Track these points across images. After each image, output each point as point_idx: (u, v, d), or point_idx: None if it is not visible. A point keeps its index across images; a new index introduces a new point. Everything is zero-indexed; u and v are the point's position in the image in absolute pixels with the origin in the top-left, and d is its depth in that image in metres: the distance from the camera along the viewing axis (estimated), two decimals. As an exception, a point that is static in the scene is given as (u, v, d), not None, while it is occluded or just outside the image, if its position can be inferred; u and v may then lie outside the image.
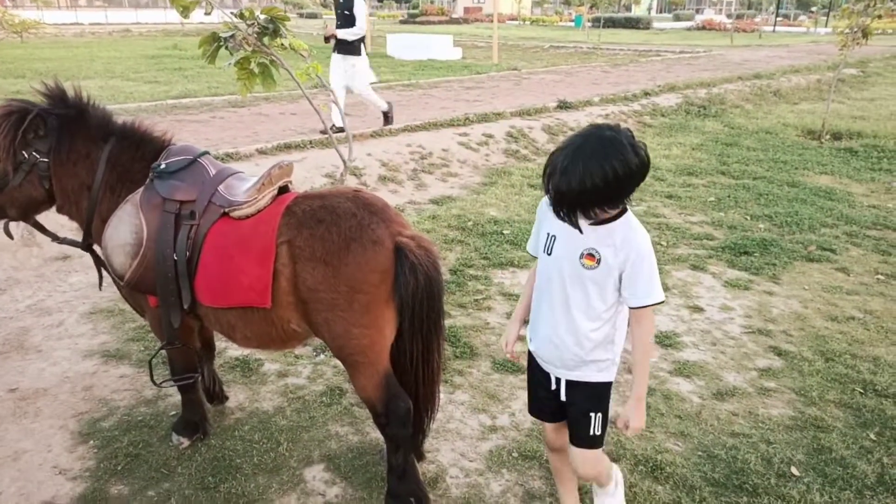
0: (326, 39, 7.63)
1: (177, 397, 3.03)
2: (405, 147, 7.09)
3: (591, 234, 1.88)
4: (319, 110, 3.59)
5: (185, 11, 3.01)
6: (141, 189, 2.43)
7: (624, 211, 1.88)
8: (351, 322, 2.20)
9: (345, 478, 2.61)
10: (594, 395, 2.03)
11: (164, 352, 2.67)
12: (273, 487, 2.54)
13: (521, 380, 3.30)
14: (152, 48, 20.32)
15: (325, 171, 6.22)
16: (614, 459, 2.68)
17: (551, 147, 8.26)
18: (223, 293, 2.33)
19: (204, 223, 2.35)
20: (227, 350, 3.53)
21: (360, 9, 7.46)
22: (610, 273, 1.88)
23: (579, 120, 9.12)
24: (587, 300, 1.93)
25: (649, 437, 2.87)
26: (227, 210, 2.35)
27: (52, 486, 2.53)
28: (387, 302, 2.22)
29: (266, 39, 3.14)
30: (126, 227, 2.39)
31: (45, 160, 2.46)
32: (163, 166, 2.42)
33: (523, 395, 3.16)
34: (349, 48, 7.49)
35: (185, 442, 2.75)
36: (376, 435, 2.86)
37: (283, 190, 2.46)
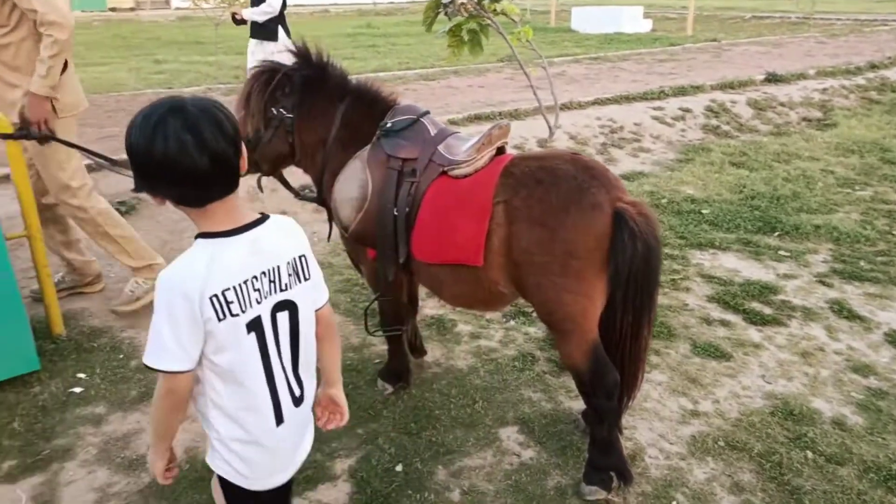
0: (235, 21, 6.59)
1: (380, 347, 3.24)
2: (594, 120, 6.88)
3: None
4: (529, 74, 3.57)
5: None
6: (368, 146, 2.56)
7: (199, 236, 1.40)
8: (563, 287, 2.17)
9: (539, 442, 2.62)
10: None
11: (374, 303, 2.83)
12: (470, 441, 2.62)
13: (725, 367, 3.09)
14: (348, 27, 21.59)
15: (514, 143, 6.23)
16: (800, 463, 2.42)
17: (757, 123, 7.62)
18: (437, 250, 2.40)
19: (423, 181, 2.42)
20: (424, 308, 3.68)
21: None
22: None
23: (791, 94, 8.26)
24: None
25: (881, 443, 2.55)
26: (446, 168, 2.40)
27: (277, 414, 2.81)
28: (601, 270, 2.16)
29: (485, 3, 3.16)
30: (353, 182, 2.53)
31: (290, 116, 2.62)
32: (389, 125, 2.53)
33: (728, 383, 2.97)
34: (263, 31, 6.45)
35: (390, 389, 2.91)
36: (570, 404, 2.84)
37: (500, 150, 2.48)
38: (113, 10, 27.12)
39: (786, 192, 5.33)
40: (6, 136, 2.91)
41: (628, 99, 7.62)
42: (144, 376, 3.04)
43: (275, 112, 2.61)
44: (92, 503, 2.32)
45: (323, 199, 2.80)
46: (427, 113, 2.60)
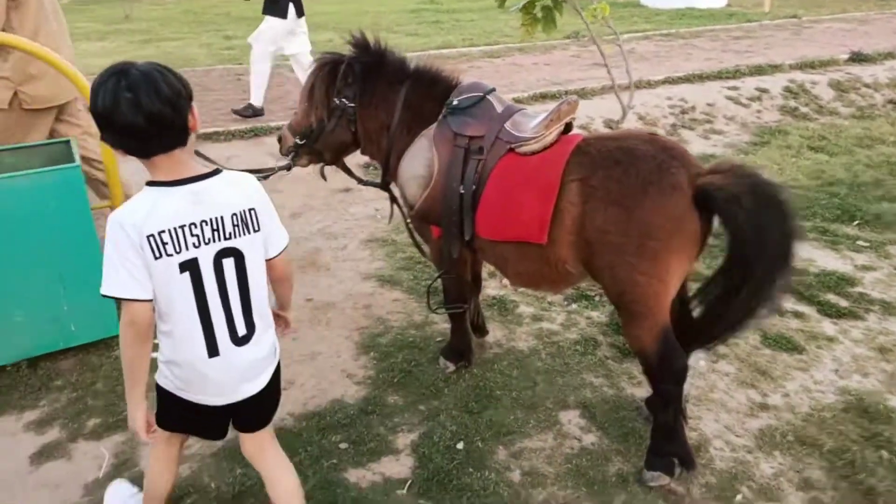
0: None
1: (442, 325, 3.27)
2: (665, 100, 6.68)
3: None
4: (604, 53, 3.49)
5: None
6: (434, 124, 2.56)
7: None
8: (637, 269, 2.14)
9: (600, 427, 2.61)
10: None
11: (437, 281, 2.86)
12: (531, 423, 2.63)
13: (797, 359, 2.99)
14: (412, 2, 21.45)
15: (579, 123, 6.11)
16: None
17: (838, 105, 7.23)
18: (502, 226, 2.40)
19: (490, 158, 2.42)
20: (486, 289, 3.69)
21: None
22: None
23: (877, 75, 7.78)
24: None
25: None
26: (513, 145, 2.39)
27: (341, 387, 2.89)
28: (677, 252, 2.13)
29: (559, -20, 3.10)
30: (420, 160, 2.54)
31: (353, 105, 2.66)
32: (455, 103, 2.52)
33: (799, 376, 2.88)
34: (275, 8, 6.05)
35: (451, 367, 2.95)
36: (632, 391, 2.81)
37: (567, 128, 2.44)
38: (185, -14, 27.77)
39: (867, 179, 5.06)
40: None
41: (701, 78, 7.34)
42: (217, 344, 3.18)
43: (337, 102, 2.65)
44: (170, 462, 2.45)
45: (386, 183, 2.84)
46: (493, 90, 2.58)
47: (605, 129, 6.03)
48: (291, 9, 6.03)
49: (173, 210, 1.57)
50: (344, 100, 2.65)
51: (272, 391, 1.84)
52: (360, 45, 2.66)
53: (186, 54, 10.22)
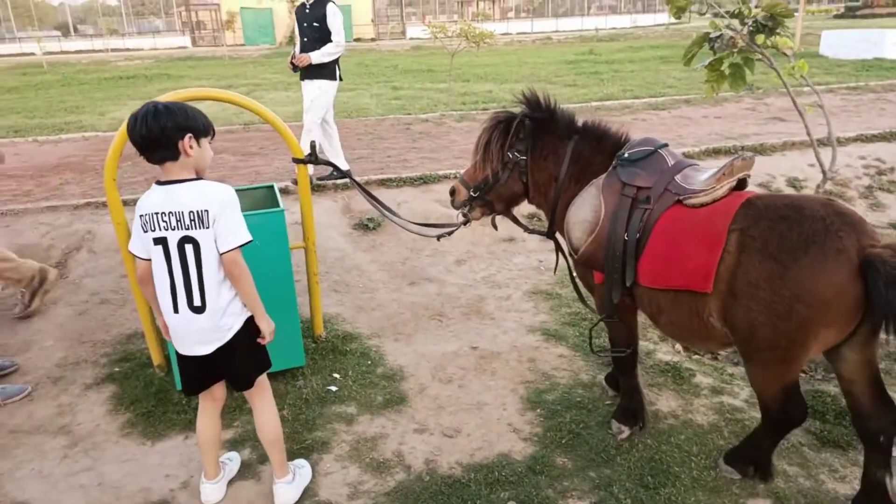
0: (295, 68, 5.80)
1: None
2: (857, 160, 6.11)
3: None
4: (804, 112, 3.27)
5: (678, 12, 3.05)
6: (604, 175, 2.62)
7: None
8: (782, 333, 2.08)
9: (797, 524, 2.34)
10: None
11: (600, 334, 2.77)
12: (714, 508, 2.43)
13: None
14: (570, 54, 21.72)
15: (759, 181, 5.75)
16: None
17: None
18: (664, 275, 2.40)
19: (657, 208, 2.45)
20: (656, 353, 3.52)
21: (336, 18, 5.66)
22: None
23: None
24: None
25: None
26: (681, 197, 2.40)
27: (508, 441, 2.85)
28: (828, 326, 2.03)
29: (759, 38, 2.96)
30: (588, 206, 2.61)
31: (524, 158, 2.80)
32: (626, 155, 2.59)
33: None
34: (324, 72, 5.74)
35: (626, 431, 2.81)
36: (833, 486, 2.51)
37: (741, 185, 2.42)
38: (357, 40, 30.26)
39: None
40: (298, 161, 3.34)
41: (900, 136, 6.66)
42: (389, 384, 3.28)
43: (510, 156, 2.79)
44: (345, 497, 2.54)
45: (552, 232, 2.92)
46: (665, 146, 2.62)
47: (789, 188, 5.62)
48: (337, 70, 5.89)
49: (155, 201, 2.18)
50: (516, 153, 2.80)
51: (229, 363, 2.33)
52: (532, 102, 2.80)
53: (359, 104, 11.00)
